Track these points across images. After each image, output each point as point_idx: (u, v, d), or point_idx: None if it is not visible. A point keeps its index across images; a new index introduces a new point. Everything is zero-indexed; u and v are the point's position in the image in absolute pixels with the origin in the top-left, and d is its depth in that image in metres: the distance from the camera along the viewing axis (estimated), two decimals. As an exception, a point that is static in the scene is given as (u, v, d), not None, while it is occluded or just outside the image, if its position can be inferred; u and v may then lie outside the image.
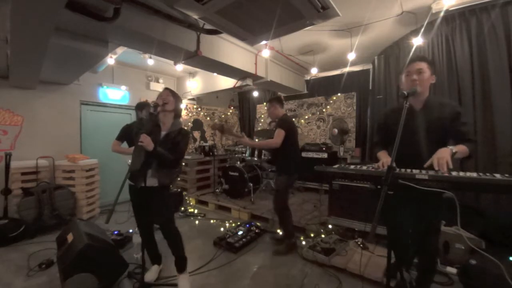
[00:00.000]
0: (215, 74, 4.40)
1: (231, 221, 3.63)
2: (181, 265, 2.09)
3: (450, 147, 1.33)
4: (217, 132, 2.49)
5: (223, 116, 6.68)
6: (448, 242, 2.36)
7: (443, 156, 1.25)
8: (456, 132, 1.48)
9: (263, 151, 4.48)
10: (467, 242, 2.24)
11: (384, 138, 1.75)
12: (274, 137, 2.53)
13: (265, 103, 5.38)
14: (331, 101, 5.13)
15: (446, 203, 1.42)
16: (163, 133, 2.05)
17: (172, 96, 2.09)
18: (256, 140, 4.71)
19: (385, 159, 1.50)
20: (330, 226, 3.02)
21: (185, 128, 2.16)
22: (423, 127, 1.54)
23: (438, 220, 1.65)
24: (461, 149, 1.36)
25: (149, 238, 2.20)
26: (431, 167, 1.26)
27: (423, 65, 1.54)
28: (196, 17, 2.15)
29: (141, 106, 2.87)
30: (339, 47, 3.79)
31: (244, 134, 2.64)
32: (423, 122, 1.55)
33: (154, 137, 1.93)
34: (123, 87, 4.69)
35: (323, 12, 1.90)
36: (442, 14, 2.77)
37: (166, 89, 2.15)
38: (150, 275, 2.20)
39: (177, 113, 2.15)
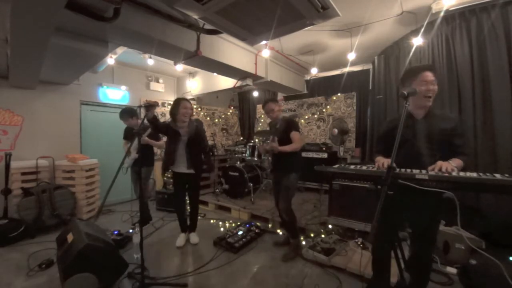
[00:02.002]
0: (215, 74, 4.40)
1: (231, 221, 3.64)
2: (194, 226, 2.99)
3: (450, 161, 1.36)
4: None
5: (223, 116, 6.68)
6: (448, 242, 2.36)
7: (446, 162, 1.32)
8: (452, 144, 1.49)
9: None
10: (467, 242, 2.24)
11: (385, 148, 1.70)
12: (294, 141, 2.50)
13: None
14: (331, 101, 5.13)
15: (446, 203, 1.42)
16: (185, 136, 2.74)
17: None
18: (257, 140, 4.71)
19: (384, 159, 1.50)
20: (330, 226, 3.02)
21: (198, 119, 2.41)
22: (424, 135, 1.54)
23: (435, 228, 1.63)
24: (458, 163, 1.39)
25: (181, 208, 2.92)
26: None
27: (433, 77, 1.52)
28: (196, 17, 2.15)
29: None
30: (339, 47, 3.79)
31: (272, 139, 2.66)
32: (423, 130, 1.55)
33: (176, 138, 2.72)
34: (123, 87, 4.69)
35: (323, 12, 1.90)
36: (442, 14, 2.77)
37: (187, 101, 2.75)
38: (180, 241, 2.85)
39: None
